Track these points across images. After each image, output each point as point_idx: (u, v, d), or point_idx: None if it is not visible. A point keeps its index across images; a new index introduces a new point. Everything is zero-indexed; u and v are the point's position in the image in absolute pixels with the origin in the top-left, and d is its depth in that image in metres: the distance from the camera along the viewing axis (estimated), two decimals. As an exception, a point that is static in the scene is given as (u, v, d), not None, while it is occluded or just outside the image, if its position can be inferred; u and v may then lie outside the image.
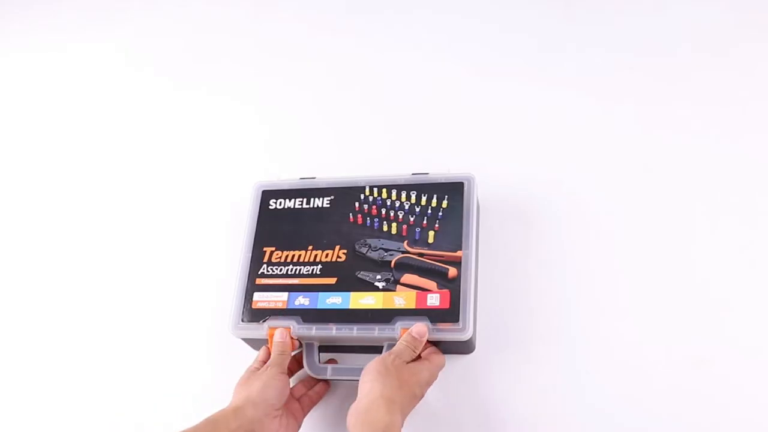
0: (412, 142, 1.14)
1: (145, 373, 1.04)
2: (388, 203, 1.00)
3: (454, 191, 0.98)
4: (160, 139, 1.28)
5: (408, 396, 0.82)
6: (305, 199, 1.03)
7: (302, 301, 0.94)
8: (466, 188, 0.98)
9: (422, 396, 0.85)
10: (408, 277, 0.93)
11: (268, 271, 0.98)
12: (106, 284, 1.13)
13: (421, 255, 0.94)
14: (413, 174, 1.01)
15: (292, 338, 0.92)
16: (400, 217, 0.98)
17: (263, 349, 0.94)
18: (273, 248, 0.99)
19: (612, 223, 1.00)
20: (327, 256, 0.97)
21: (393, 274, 0.94)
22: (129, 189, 1.23)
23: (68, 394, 1.05)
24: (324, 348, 0.96)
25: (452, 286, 0.91)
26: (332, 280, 0.95)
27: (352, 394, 0.83)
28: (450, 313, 0.89)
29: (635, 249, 0.97)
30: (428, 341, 0.89)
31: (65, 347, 1.09)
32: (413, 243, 0.96)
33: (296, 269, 0.97)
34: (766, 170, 0.99)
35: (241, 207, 1.05)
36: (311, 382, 0.95)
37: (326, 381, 0.95)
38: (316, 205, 1.02)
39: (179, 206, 1.18)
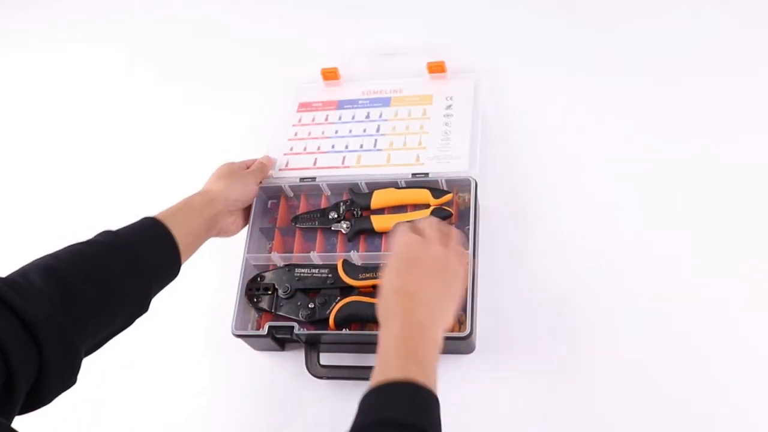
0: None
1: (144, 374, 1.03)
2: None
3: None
4: (160, 139, 1.28)
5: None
6: None
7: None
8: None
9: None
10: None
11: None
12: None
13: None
14: (413, 174, 1.01)
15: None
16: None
17: (254, 161, 1.05)
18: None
19: (613, 222, 1.00)
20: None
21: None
22: (128, 189, 1.23)
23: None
24: (324, 348, 0.95)
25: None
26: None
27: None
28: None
29: (635, 248, 0.97)
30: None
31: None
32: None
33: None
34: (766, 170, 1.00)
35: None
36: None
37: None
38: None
39: None
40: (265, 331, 0.95)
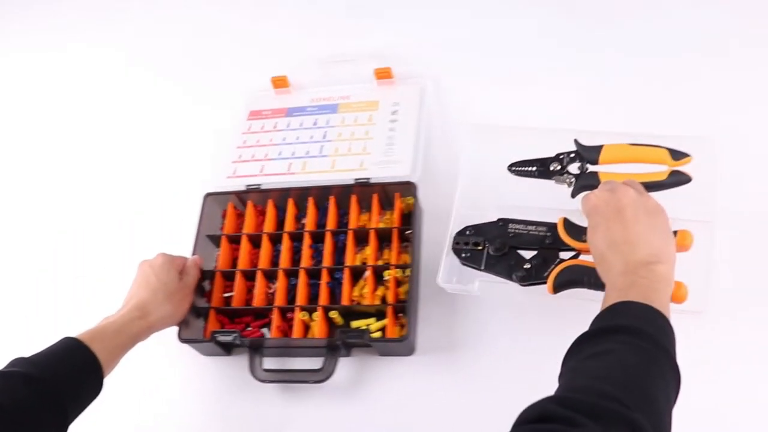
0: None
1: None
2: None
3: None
4: (159, 138, 1.28)
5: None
6: None
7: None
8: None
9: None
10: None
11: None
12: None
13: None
14: (356, 180, 1.03)
15: None
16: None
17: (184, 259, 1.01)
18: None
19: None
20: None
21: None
22: (126, 187, 1.24)
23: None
24: (268, 353, 0.97)
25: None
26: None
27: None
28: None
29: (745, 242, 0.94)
30: None
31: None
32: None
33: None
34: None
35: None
36: None
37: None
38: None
39: (178, 205, 1.16)
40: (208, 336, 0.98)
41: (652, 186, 0.84)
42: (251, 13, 1.39)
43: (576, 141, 0.91)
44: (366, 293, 0.99)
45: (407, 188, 1.02)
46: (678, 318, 0.67)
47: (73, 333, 0.86)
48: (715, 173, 0.87)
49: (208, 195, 1.08)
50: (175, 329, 0.99)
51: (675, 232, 0.79)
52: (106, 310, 0.93)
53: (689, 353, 0.67)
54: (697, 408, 0.72)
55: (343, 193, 1.05)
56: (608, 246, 0.73)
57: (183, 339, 0.99)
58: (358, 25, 1.30)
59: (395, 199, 1.03)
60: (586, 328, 0.78)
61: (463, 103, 1.15)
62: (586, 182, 0.89)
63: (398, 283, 0.98)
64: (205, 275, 1.04)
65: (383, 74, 1.14)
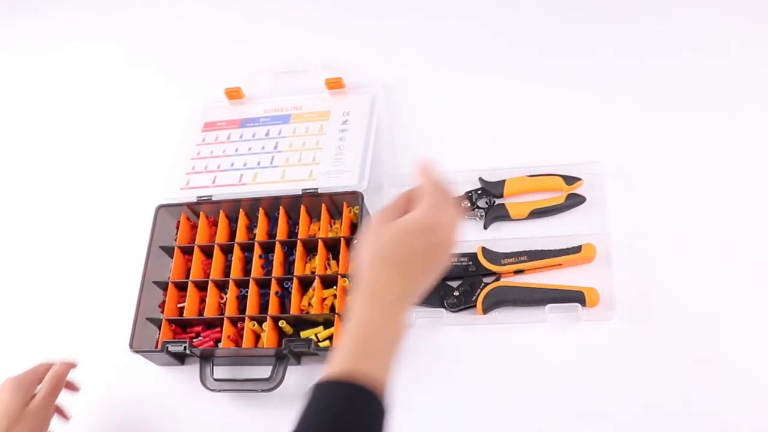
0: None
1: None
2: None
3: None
4: (114, 149, 1.28)
5: None
6: None
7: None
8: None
9: None
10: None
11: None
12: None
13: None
14: (303, 190, 1.04)
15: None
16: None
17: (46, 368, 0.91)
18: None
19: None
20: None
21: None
22: (79, 198, 1.24)
23: None
24: (219, 362, 0.99)
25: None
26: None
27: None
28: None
29: (639, 250, 0.97)
30: None
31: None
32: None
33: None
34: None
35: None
36: None
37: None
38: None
39: (133, 216, 1.16)
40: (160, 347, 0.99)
41: (553, 209, 0.99)
42: (206, 25, 1.40)
43: (480, 178, 1.04)
44: (315, 302, 1.00)
45: (354, 198, 1.03)
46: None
47: (19, 347, 0.87)
48: (605, 191, 0.99)
49: (161, 207, 1.09)
50: (127, 338, 1.00)
51: (581, 246, 0.93)
52: (55, 323, 0.94)
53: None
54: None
55: (292, 203, 1.06)
56: (388, 256, 0.65)
57: (135, 350, 1.00)
58: (312, 34, 1.30)
59: (343, 208, 1.04)
60: (512, 339, 0.90)
61: (412, 109, 1.16)
62: (495, 214, 1.01)
63: (347, 291, 0.99)
64: (159, 286, 1.06)
65: (334, 84, 1.15)
